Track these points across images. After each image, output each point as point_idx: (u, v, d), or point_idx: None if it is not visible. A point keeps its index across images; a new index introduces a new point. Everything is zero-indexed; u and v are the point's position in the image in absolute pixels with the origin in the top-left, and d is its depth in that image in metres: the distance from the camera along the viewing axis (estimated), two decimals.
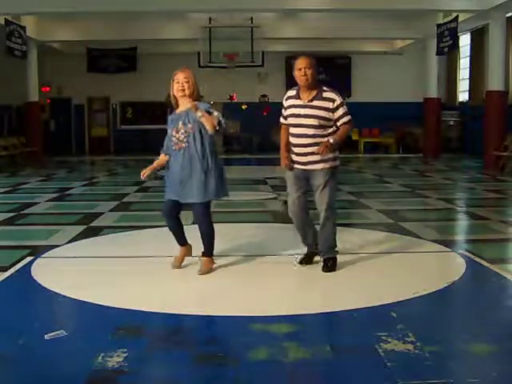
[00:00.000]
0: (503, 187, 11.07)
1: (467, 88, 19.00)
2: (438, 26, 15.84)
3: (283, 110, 4.94)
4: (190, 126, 4.69)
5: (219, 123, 4.63)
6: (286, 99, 4.90)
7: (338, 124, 4.77)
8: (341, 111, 4.74)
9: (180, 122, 4.73)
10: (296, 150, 4.84)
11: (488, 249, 5.85)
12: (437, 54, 16.55)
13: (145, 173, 4.89)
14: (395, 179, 12.15)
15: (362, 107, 20.37)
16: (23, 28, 15.35)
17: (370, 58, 20.80)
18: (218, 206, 8.10)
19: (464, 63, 19.48)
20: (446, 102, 19.78)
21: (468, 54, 18.97)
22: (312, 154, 4.74)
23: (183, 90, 4.69)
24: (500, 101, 13.86)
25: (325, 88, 4.78)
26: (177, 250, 5.06)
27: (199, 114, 4.57)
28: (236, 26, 17.01)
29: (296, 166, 4.89)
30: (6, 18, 14.37)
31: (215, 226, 4.98)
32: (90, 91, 21.00)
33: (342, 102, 4.76)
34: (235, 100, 20.48)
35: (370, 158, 18.84)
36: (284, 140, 4.95)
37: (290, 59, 20.39)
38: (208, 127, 4.60)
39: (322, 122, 4.72)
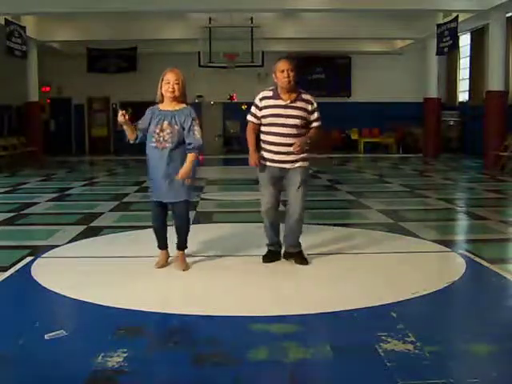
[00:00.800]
0: (503, 187, 11.07)
1: (467, 88, 19.01)
2: (438, 26, 15.84)
3: (256, 110, 4.99)
4: (176, 127, 4.74)
5: (198, 147, 4.77)
6: (262, 99, 4.97)
7: (311, 126, 4.99)
8: (316, 115, 4.98)
9: (165, 122, 4.76)
10: (276, 148, 4.92)
11: (488, 249, 5.85)
12: (437, 53, 16.55)
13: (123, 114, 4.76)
14: (395, 179, 12.15)
15: (362, 107, 20.45)
16: (23, 28, 15.36)
17: (370, 58, 20.80)
18: (218, 206, 8.11)
19: (464, 63, 19.48)
20: (446, 102, 19.79)
21: (468, 54, 18.97)
22: (293, 152, 4.89)
23: (173, 92, 4.77)
24: (500, 101, 13.86)
25: (302, 90, 4.99)
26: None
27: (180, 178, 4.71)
28: (236, 26, 17.02)
29: (272, 164, 4.96)
30: (5, 18, 14.38)
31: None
32: (90, 91, 21.01)
33: (317, 107, 4.99)
34: (235, 100, 20.48)
35: (370, 157, 18.84)
36: (253, 139, 5.02)
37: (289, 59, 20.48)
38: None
39: (303, 123, 4.92)
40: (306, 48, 19.21)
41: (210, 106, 20.58)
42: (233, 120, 21.15)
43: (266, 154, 4.96)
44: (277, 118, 4.89)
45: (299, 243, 5.16)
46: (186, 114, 4.76)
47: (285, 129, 4.88)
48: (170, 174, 4.75)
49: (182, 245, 5.02)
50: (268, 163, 4.96)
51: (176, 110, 4.78)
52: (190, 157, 4.73)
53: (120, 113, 4.72)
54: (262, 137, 5.00)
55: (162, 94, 4.83)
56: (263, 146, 4.99)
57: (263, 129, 4.99)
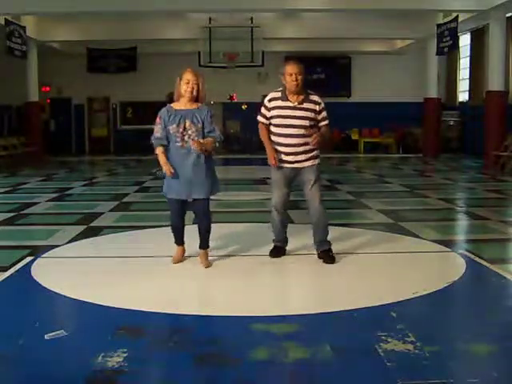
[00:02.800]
0: (503, 187, 11.06)
1: (467, 88, 19.01)
2: (438, 25, 15.84)
3: (265, 111, 5.10)
4: (199, 125, 4.82)
5: (219, 140, 4.92)
6: (270, 100, 5.07)
7: (320, 125, 5.10)
8: (324, 114, 5.11)
9: (188, 121, 4.80)
10: (286, 149, 5.03)
11: (488, 249, 5.85)
12: (437, 53, 16.55)
13: (169, 169, 4.79)
14: (395, 179, 12.15)
15: (362, 107, 20.44)
16: (23, 28, 15.36)
17: (370, 58, 20.80)
18: (218, 206, 8.10)
19: (464, 63, 19.48)
20: (446, 102, 19.79)
21: (468, 53, 18.97)
22: (303, 152, 5.01)
23: (191, 92, 4.82)
24: (500, 101, 13.86)
25: (309, 91, 5.10)
26: (174, 249, 5.08)
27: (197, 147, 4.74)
28: (236, 26, 17.02)
29: (285, 165, 5.06)
30: (5, 18, 14.38)
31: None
32: (90, 91, 21.01)
33: (324, 106, 5.11)
34: (235, 100, 20.47)
35: (370, 158, 18.83)
36: (269, 138, 5.12)
37: (289, 59, 20.47)
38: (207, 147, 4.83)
39: (311, 123, 5.02)
40: (306, 48, 19.20)
41: (209, 105, 20.58)
42: (233, 120, 21.16)
43: (278, 155, 5.06)
44: (285, 119, 5.01)
45: (328, 240, 5.21)
46: (205, 111, 4.88)
47: (293, 129, 4.98)
48: (196, 172, 4.82)
49: (205, 244, 5.09)
50: (280, 163, 5.06)
51: (195, 109, 4.85)
52: (212, 138, 4.86)
53: (168, 172, 4.80)
54: (273, 138, 5.11)
55: (179, 94, 4.87)
56: (274, 147, 5.08)
57: (273, 130, 5.09)
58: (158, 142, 4.85)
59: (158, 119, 4.86)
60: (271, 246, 5.39)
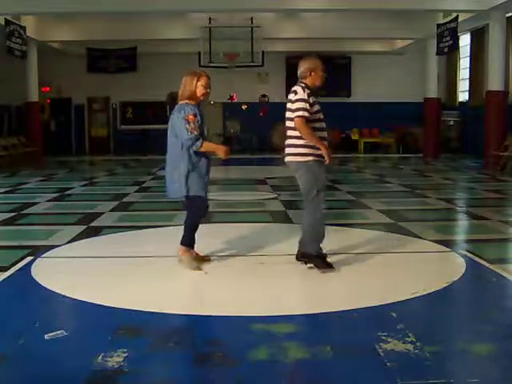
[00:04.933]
0: (503, 187, 11.06)
1: (467, 88, 19.00)
2: (438, 25, 15.84)
3: (307, 106, 4.81)
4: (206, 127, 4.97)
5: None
6: (309, 95, 4.85)
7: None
8: None
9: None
10: (325, 143, 4.90)
11: (488, 249, 5.85)
12: (437, 53, 16.55)
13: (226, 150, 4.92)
14: (395, 179, 12.15)
15: (362, 107, 20.45)
16: (23, 28, 15.35)
17: (369, 58, 20.80)
18: (218, 206, 8.10)
19: (464, 63, 19.47)
20: (446, 102, 19.78)
21: (468, 53, 18.96)
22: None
23: (204, 95, 4.88)
24: (500, 101, 13.86)
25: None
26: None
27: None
28: (236, 26, 17.01)
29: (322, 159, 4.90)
30: (5, 18, 14.36)
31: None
32: (90, 91, 21.00)
33: None
34: (235, 100, 20.47)
35: (370, 157, 18.83)
36: (316, 135, 4.85)
37: (290, 59, 20.45)
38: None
39: None
40: (306, 48, 19.14)
41: (210, 105, 20.57)
42: (233, 120, 21.16)
43: (316, 151, 4.82)
44: (320, 113, 4.93)
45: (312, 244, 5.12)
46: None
47: (324, 124, 4.95)
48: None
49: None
50: (321, 159, 4.86)
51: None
52: None
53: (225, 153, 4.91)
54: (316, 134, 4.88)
55: (192, 93, 4.85)
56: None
57: (315, 125, 4.86)
58: (200, 141, 4.78)
59: (192, 116, 4.75)
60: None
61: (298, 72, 4.97)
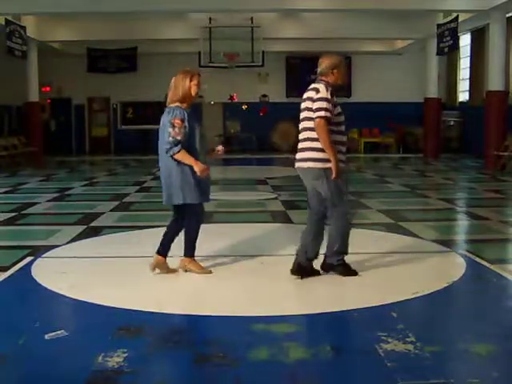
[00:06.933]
0: (503, 187, 11.06)
1: (467, 88, 19.00)
2: (438, 25, 15.84)
3: (331, 106, 4.43)
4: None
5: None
6: (332, 95, 4.46)
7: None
8: None
9: (199, 126, 4.73)
10: (344, 148, 4.62)
11: (488, 249, 5.85)
12: (437, 53, 16.55)
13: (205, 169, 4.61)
14: (395, 179, 12.14)
15: (362, 107, 20.41)
16: (23, 28, 15.34)
17: (370, 58, 20.79)
18: (218, 206, 8.10)
19: (464, 63, 19.47)
20: (446, 102, 19.78)
21: (468, 53, 18.96)
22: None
23: (197, 94, 4.69)
24: (500, 101, 13.85)
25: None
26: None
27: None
28: (236, 26, 17.01)
29: (343, 165, 4.56)
30: (6, 18, 14.36)
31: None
32: (90, 91, 20.99)
33: None
34: (235, 100, 20.47)
35: (370, 157, 18.83)
36: (332, 143, 4.43)
37: (290, 59, 20.46)
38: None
39: None
40: (306, 48, 19.18)
41: (210, 105, 20.57)
42: (233, 120, 21.15)
43: (338, 156, 4.48)
44: (342, 116, 4.59)
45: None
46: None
47: (344, 127, 4.65)
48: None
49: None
50: (341, 164, 4.52)
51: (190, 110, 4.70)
52: None
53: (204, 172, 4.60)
54: (334, 137, 4.47)
55: (186, 94, 4.62)
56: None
57: (334, 128, 4.49)
58: (178, 147, 4.51)
59: (179, 121, 4.49)
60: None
61: (319, 69, 4.60)
